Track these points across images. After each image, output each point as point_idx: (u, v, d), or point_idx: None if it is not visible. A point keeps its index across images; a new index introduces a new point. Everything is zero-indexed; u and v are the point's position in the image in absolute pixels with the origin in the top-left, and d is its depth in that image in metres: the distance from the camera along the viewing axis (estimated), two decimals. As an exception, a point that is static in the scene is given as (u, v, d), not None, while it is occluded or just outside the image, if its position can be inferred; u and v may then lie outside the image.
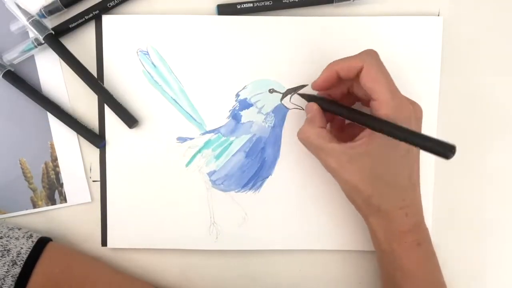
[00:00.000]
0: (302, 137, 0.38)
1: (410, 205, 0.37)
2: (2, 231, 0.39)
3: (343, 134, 0.41)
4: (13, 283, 0.35)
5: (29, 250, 0.38)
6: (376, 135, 0.34)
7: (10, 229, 0.40)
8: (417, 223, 0.38)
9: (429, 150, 0.30)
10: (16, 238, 0.38)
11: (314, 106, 0.38)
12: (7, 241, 0.38)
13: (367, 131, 0.35)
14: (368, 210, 0.37)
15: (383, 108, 0.34)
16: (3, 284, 0.35)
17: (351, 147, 0.36)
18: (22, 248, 0.37)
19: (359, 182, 0.36)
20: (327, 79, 0.37)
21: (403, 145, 0.32)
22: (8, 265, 0.36)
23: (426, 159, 0.43)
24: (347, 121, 0.42)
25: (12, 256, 0.36)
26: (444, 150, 0.29)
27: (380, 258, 0.40)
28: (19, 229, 0.40)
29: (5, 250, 0.37)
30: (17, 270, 0.36)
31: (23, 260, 0.36)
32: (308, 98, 0.40)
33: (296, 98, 0.43)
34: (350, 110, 0.36)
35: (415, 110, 0.36)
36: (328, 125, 0.40)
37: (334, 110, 0.37)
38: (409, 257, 0.37)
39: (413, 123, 0.36)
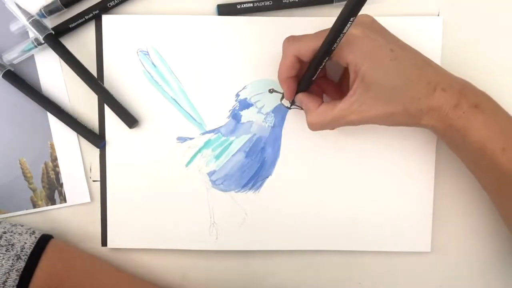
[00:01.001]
0: (313, 126, 0.38)
1: (439, 81, 0.36)
2: (5, 227, 0.39)
3: (341, 93, 0.41)
4: (18, 277, 0.36)
5: (33, 245, 0.38)
6: (359, 68, 0.35)
7: (13, 225, 0.40)
8: (462, 88, 0.36)
9: (354, 7, 0.30)
10: (19, 233, 0.39)
11: (299, 96, 0.39)
12: (11, 236, 0.38)
13: (352, 73, 0.35)
14: (414, 118, 0.36)
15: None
16: (8, 278, 0.35)
17: (352, 94, 0.36)
18: (25, 243, 0.38)
19: (385, 108, 0.35)
20: (291, 87, 0.39)
21: (383, 51, 0.34)
22: (13, 259, 0.36)
23: (427, 159, 0.43)
24: (335, 82, 0.42)
25: (16, 251, 0.37)
26: None
27: (452, 146, 0.39)
28: (22, 225, 0.41)
29: (9, 244, 0.37)
30: (21, 264, 0.36)
31: (27, 255, 0.37)
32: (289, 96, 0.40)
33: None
34: (311, 63, 0.37)
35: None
36: (324, 100, 0.40)
37: (307, 77, 0.38)
38: (474, 124, 0.35)
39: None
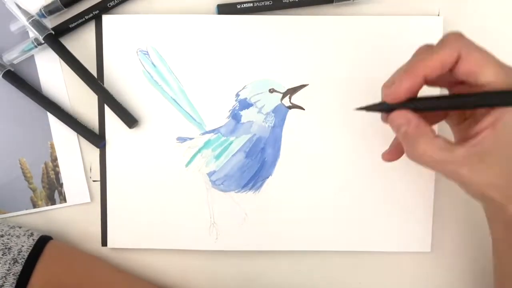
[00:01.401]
0: (423, 159, 0.31)
1: None
2: (3, 230, 0.39)
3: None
4: (15, 281, 0.35)
5: (30, 248, 0.38)
6: (500, 118, 0.28)
7: (11, 228, 0.40)
8: None
9: None
10: (17, 236, 0.38)
11: (407, 114, 0.30)
12: (8, 239, 0.38)
13: (489, 119, 0.29)
14: (507, 200, 0.31)
15: (496, 84, 0.28)
16: (4, 282, 0.35)
17: (476, 144, 0.29)
18: (23, 246, 0.38)
19: (496, 178, 0.30)
20: (411, 89, 0.30)
21: None
22: (10, 263, 0.36)
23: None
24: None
25: (13, 254, 0.36)
26: None
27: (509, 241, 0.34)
28: (20, 227, 0.40)
29: (6, 248, 0.37)
30: (18, 268, 0.36)
31: (24, 258, 0.37)
32: (381, 106, 0.32)
33: (296, 98, 0.43)
34: (453, 97, 0.29)
35: None
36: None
37: (432, 106, 0.29)
38: None
39: None
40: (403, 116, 0.30)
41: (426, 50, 0.30)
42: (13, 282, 0.35)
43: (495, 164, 0.29)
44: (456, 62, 0.29)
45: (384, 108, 0.31)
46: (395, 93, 0.30)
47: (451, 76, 0.30)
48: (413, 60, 0.30)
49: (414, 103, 0.29)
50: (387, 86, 0.31)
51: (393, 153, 0.36)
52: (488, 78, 0.28)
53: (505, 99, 0.27)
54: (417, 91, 0.30)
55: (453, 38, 0.30)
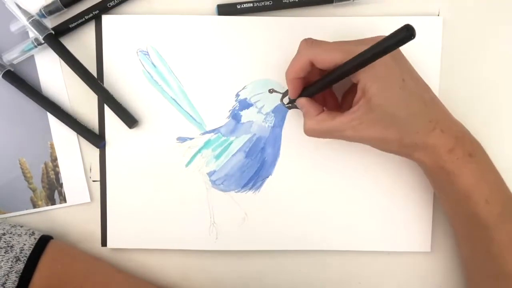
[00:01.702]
0: (310, 132, 0.38)
1: (439, 121, 0.36)
2: (5, 228, 0.39)
3: (340, 107, 0.41)
4: (17, 279, 0.36)
5: (32, 246, 0.38)
6: (368, 88, 0.35)
7: (13, 226, 0.40)
8: (460, 135, 0.37)
9: (394, 46, 0.30)
10: (18, 235, 0.39)
11: (301, 100, 0.38)
12: (10, 237, 0.38)
13: (360, 91, 0.36)
14: (407, 149, 0.37)
15: (342, 60, 0.35)
16: (7, 280, 0.35)
17: (354, 110, 0.36)
18: (25, 244, 0.38)
19: (381, 133, 0.36)
20: (296, 87, 0.38)
21: (395, 78, 0.35)
22: (12, 261, 0.36)
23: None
24: (340, 99, 0.42)
25: (16, 252, 0.37)
26: (404, 35, 0.28)
27: (437, 186, 0.40)
28: (21, 226, 0.41)
29: (8, 246, 0.37)
30: (20, 266, 0.36)
31: (26, 256, 0.37)
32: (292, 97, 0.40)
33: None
34: (325, 76, 0.37)
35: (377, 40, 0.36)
36: (325, 109, 0.39)
37: (318, 87, 0.38)
38: (464, 172, 0.36)
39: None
40: (299, 101, 0.39)
41: (291, 63, 0.38)
42: (15, 280, 0.36)
43: (376, 122, 0.35)
44: (313, 64, 0.36)
45: (293, 101, 0.40)
46: (291, 94, 0.39)
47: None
48: (288, 69, 0.38)
49: (302, 93, 0.39)
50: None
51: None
52: (338, 61, 0.35)
53: (350, 66, 0.33)
54: (303, 84, 0.38)
55: (302, 47, 0.37)
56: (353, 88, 0.39)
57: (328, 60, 0.35)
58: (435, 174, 0.38)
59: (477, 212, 0.36)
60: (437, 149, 0.36)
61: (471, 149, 0.37)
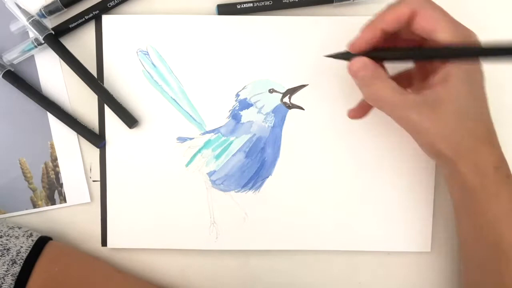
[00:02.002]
0: (377, 97, 0.33)
1: (493, 134, 0.34)
2: (2, 230, 0.39)
3: (406, 83, 0.37)
4: (13, 282, 0.35)
5: (29, 249, 0.38)
6: (454, 76, 0.31)
7: (10, 228, 0.40)
8: (502, 154, 0.34)
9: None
10: (16, 237, 0.38)
11: (364, 59, 0.33)
12: (7, 240, 0.38)
13: (441, 75, 0.32)
14: (458, 155, 0.33)
15: (448, 39, 0.31)
16: (3, 283, 0.35)
17: (429, 94, 0.32)
18: (22, 247, 0.37)
19: (445, 129, 0.32)
20: (370, 40, 0.33)
21: (481, 78, 0.31)
22: (8, 264, 0.36)
23: (427, 159, 0.43)
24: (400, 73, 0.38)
25: (12, 255, 0.36)
26: None
27: (464, 204, 0.36)
28: (20, 228, 0.40)
29: (4, 249, 0.37)
30: (16, 269, 0.36)
31: (22, 259, 0.36)
32: (346, 55, 0.35)
33: (296, 98, 0.43)
34: (410, 49, 0.32)
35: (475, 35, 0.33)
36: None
37: (398, 55, 0.33)
38: (502, 194, 0.33)
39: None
40: (361, 61, 0.33)
41: (387, 7, 0.33)
42: (11, 283, 0.35)
43: (445, 116, 0.32)
44: (413, 19, 0.31)
45: (349, 57, 0.34)
46: (356, 44, 0.33)
47: (413, 34, 0.32)
48: (374, 16, 0.33)
49: (372, 54, 0.33)
50: (353, 39, 0.34)
51: (357, 111, 0.38)
52: (441, 34, 0.30)
53: (454, 53, 0.30)
54: (377, 43, 0.33)
55: None
56: (421, 67, 0.35)
57: (435, 24, 0.31)
58: (470, 190, 0.34)
59: (503, 238, 0.33)
60: (486, 163, 0.33)
61: (509, 171, 0.34)
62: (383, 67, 0.34)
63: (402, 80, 0.36)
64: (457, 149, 0.33)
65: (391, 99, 0.32)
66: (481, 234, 0.35)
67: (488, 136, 0.34)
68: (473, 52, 0.30)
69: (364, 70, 0.33)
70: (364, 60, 0.33)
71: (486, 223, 0.34)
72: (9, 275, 0.35)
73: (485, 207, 0.34)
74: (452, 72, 0.31)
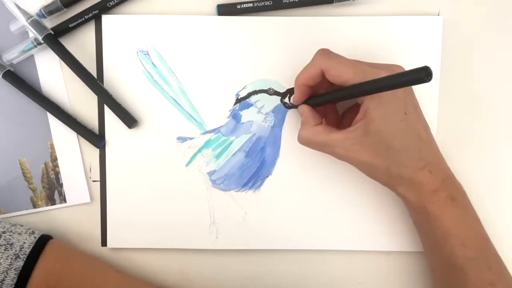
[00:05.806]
0: (303, 140, 0.39)
1: (430, 162, 0.37)
2: (5, 226, 0.39)
3: (340, 127, 0.41)
4: (16, 276, 0.36)
5: (32, 244, 0.38)
6: (370, 112, 0.35)
7: (13, 225, 0.40)
8: (446, 177, 0.38)
9: (408, 83, 0.30)
10: (18, 233, 0.39)
11: (303, 107, 0.39)
12: (10, 235, 0.38)
13: (361, 112, 0.36)
14: (392, 181, 0.38)
15: (355, 80, 0.35)
16: (6, 276, 0.36)
17: (351, 131, 0.36)
18: (25, 242, 0.38)
19: (371, 158, 0.36)
20: (303, 93, 0.39)
21: (399, 109, 0.35)
22: (11, 258, 0.36)
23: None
24: (340, 113, 0.42)
25: (15, 250, 0.37)
26: (421, 75, 0.28)
27: (417, 223, 0.40)
28: (22, 225, 0.41)
29: (8, 244, 0.37)
30: (20, 263, 0.36)
31: (25, 254, 0.37)
32: (296, 106, 0.40)
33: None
34: (333, 92, 0.37)
35: (392, 69, 0.37)
36: (324, 121, 0.40)
37: (323, 100, 0.38)
38: (445, 215, 0.37)
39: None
40: (301, 108, 0.40)
41: (304, 68, 0.38)
42: (14, 277, 0.36)
43: (369, 147, 0.36)
44: (324, 74, 0.37)
45: (295, 106, 0.41)
46: (296, 97, 0.40)
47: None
48: (299, 73, 0.39)
49: (307, 101, 0.40)
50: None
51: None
52: (346, 78, 0.35)
53: (360, 89, 0.34)
54: (310, 93, 0.39)
55: (317, 56, 0.38)
56: (356, 107, 0.39)
57: (340, 75, 0.36)
58: (416, 211, 0.39)
59: (454, 254, 0.37)
60: (422, 188, 0.37)
61: (454, 193, 0.38)
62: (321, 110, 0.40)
63: (346, 118, 0.41)
64: (389, 175, 0.37)
65: (314, 140, 0.38)
66: (436, 249, 0.39)
67: (419, 163, 0.36)
68: (366, 86, 0.33)
69: (302, 115, 0.39)
70: (302, 108, 0.39)
71: (436, 240, 0.38)
72: (12, 269, 0.36)
73: (433, 226, 0.37)
74: (369, 106, 0.35)
